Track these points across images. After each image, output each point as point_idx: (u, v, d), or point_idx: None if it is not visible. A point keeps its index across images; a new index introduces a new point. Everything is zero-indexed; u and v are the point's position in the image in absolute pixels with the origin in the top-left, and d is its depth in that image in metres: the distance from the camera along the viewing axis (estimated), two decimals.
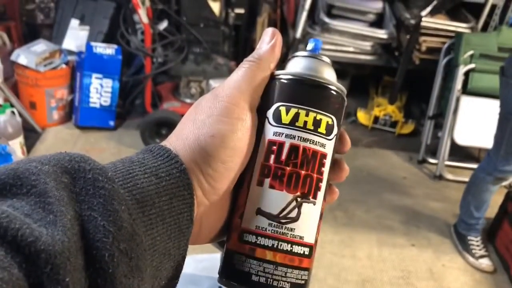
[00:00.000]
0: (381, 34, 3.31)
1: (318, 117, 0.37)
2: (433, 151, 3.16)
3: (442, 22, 3.16)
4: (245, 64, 0.38)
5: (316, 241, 0.38)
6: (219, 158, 0.35)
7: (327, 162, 0.38)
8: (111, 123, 3.06)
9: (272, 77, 0.39)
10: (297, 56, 0.40)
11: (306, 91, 0.37)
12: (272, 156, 0.37)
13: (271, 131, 0.37)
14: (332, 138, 0.38)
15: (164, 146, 0.35)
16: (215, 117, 0.35)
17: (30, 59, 2.85)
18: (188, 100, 3.01)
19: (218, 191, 0.36)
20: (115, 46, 2.95)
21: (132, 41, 2.93)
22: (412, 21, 3.15)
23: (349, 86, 3.97)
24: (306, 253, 0.37)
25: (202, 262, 1.54)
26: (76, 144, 2.92)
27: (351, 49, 3.39)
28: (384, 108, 3.43)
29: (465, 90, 2.81)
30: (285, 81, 0.38)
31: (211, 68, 2.97)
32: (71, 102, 3.07)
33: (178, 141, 0.35)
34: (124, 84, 3.14)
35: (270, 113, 0.38)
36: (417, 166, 3.15)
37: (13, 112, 2.66)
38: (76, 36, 3.17)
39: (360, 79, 3.94)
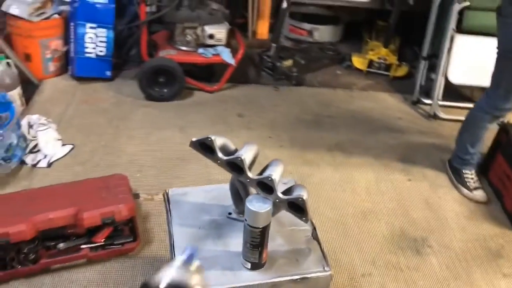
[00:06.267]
0: None
1: None
2: (427, 92, 3.21)
3: None
4: None
5: None
6: None
7: None
8: (108, 73, 3.05)
9: None
10: None
11: None
12: None
13: None
14: None
15: None
16: None
17: (22, 9, 2.81)
18: (184, 48, 3.00)
19: None
20: None
21: None
22: None
23: (343, 32, 3.98)
24: None
25: (211, 192, 1.61)
26: (75, 95, 2.92)
27: None
28: (378, 52, 3.44)
29: (460, 29, 2.84)
30: None
31: (206, 13, 2.95)
32: (67, 53, 3.05)
33: None
34: (118, 34, 3.11)
35: None
36: (411, 107, 3.21)
37: (8, 64, 2.65)
38: None
39: (354, 25, 3.94)
